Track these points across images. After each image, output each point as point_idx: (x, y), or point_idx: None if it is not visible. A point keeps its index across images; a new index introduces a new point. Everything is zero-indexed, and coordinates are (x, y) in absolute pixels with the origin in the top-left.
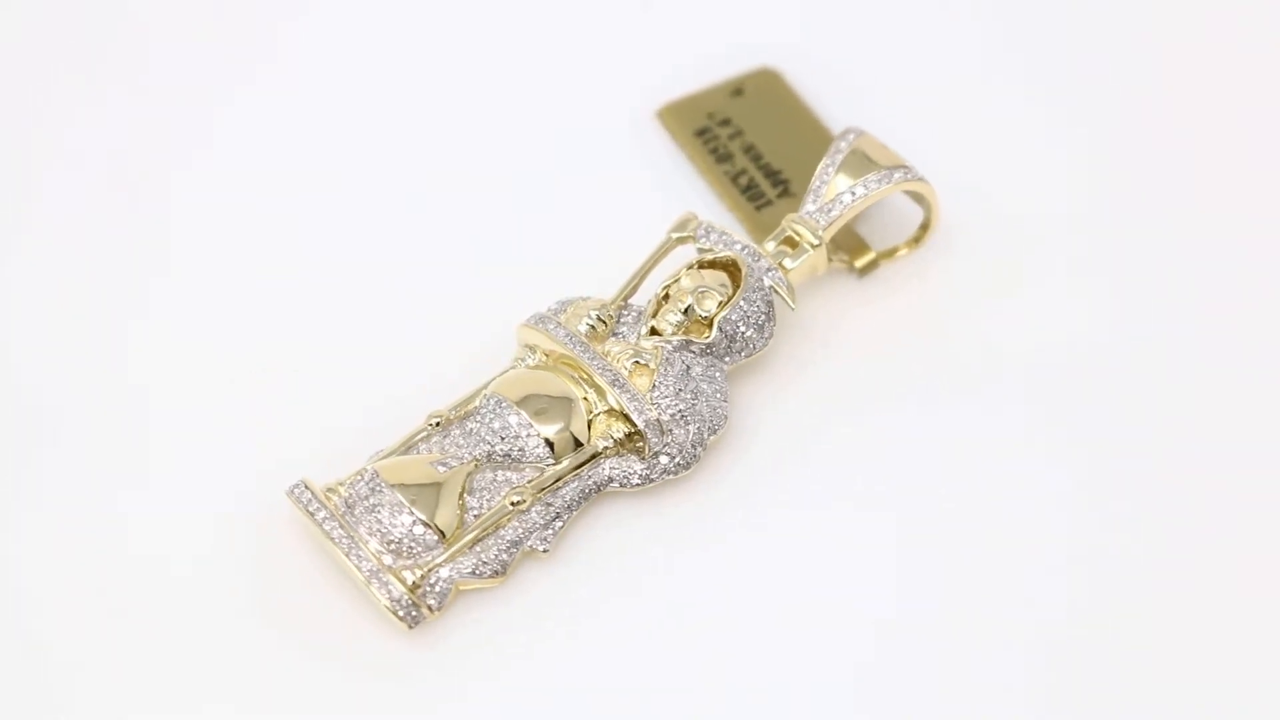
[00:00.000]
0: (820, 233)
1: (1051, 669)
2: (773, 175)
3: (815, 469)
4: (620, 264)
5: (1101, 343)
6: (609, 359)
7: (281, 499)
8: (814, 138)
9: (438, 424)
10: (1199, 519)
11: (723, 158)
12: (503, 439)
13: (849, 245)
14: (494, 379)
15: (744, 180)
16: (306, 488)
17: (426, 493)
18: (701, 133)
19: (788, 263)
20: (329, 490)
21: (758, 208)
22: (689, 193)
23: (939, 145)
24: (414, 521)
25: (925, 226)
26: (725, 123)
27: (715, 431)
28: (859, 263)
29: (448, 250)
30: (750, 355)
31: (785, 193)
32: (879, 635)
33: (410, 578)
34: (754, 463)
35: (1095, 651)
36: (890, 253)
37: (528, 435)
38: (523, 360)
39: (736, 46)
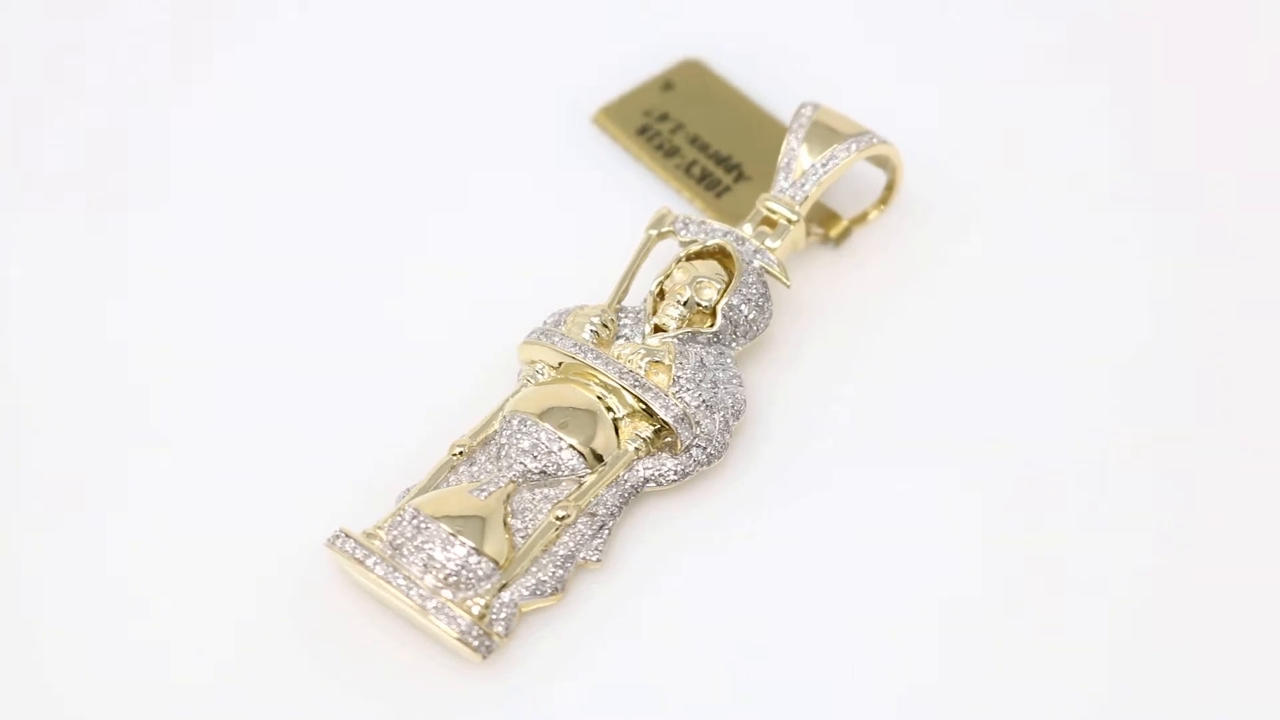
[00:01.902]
0: (797, 208)
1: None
2: (723, 161)
3: (839, 447)
4: (597, 268)
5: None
6: (622, 362)
7: (301, 549)
8: (754, 120)
9: (461, 453)
10: (1197, 491)
11: (670, 152)
12: (535, 457)
13: (819, 217)
14: (507, 400)
15: (697, 171)
16: (348, 536)
17: (472, 522)
18: (643, 131)
19: (769, 242)
20: (368, 535)
21: (717, 195)
22: (645, 191)
23: (863, 116)
24: (468, 551)
25: (890, 187)
26: (664, 118)
27: (739, 416)
28: (834, 232)
29: (420, 264)
30: (753, 337)
31: (741, 176)
32: (944, 617)
33: (476, 608)
34: (777, 445)
35: (1150, 640)
36: (861, 218)
37: (560, 449)
38: (531, 379)
39: (649, 43)
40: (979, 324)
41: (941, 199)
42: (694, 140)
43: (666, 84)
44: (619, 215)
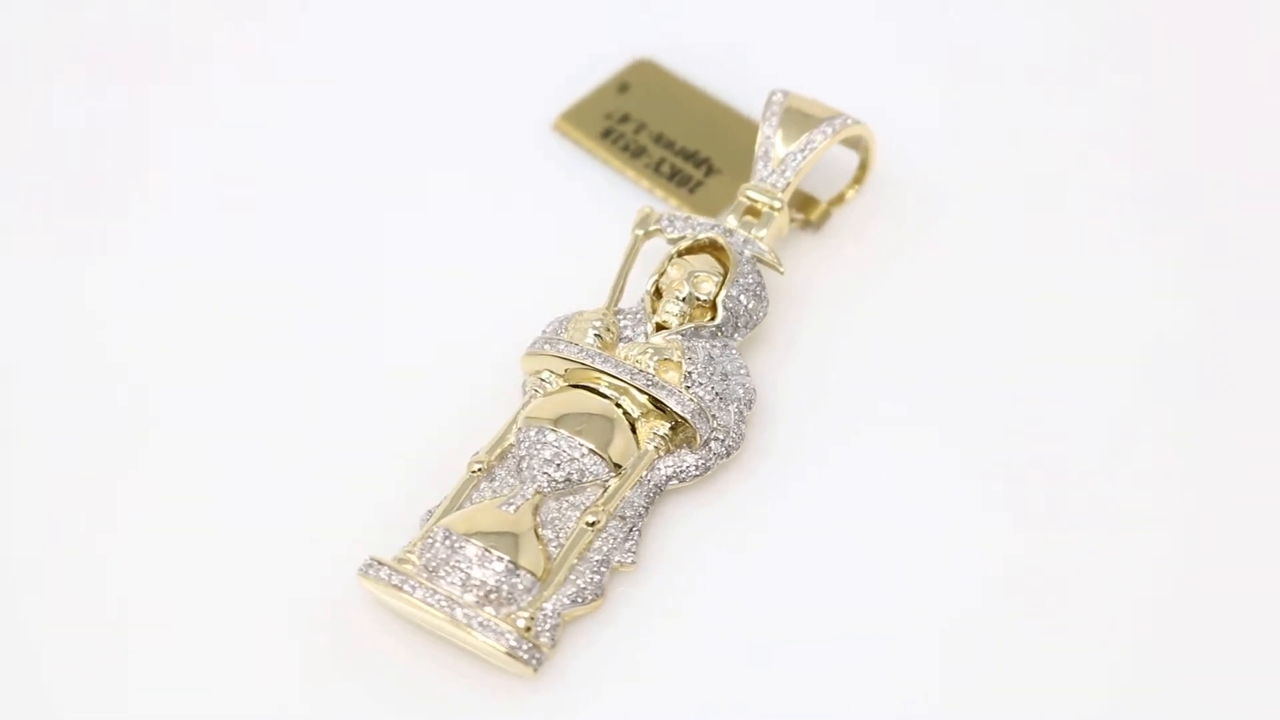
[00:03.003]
0: (779, 195)
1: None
2: (691, 157)
3: (848, 431)
4: (585, 273)
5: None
6: (631, 363)
7: (317, 571)
8: (714, 113)
9: (480, 469)
10: (1195, 471)
11: (637, 152)
12: (557, 466)
13: (797, 202)
14: (519, 411)
15: (666, 168)
16: (380, 563)
17: (506, 537)
18: (607, 134)
19: (756, 231)
20: (399, 560)
21: (691, 191)
22: (618, 193)
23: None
24: (505, 566)
25: (864, 166)
26: (625, 119)
27: (750, 406)
28: (813, 215)
29: (406, 275)
30: (753, 326)
31: (711, 170)
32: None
33: (521, 621)
34: (785, 432)
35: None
36: (839, 199)
37: (581, 456)
38: (539, 388)
39: (597, 47)
40: (965, 310)
41: (913, 178)
42: (658, 139)
43: (622, 85)
44: (597, 219)
